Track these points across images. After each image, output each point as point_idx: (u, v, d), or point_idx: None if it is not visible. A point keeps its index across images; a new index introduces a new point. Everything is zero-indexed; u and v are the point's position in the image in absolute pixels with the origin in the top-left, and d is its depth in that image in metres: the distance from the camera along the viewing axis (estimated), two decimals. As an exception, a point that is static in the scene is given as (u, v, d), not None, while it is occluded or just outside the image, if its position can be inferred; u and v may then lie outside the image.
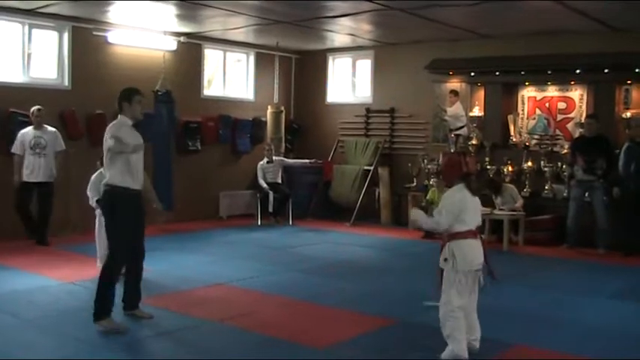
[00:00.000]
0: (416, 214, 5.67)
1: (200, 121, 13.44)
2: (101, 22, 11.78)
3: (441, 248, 5.31)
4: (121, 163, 6.26)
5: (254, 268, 8.99)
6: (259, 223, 13.15)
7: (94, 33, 11.76)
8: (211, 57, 14.24)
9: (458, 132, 12.67)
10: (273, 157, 13.52)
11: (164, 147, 11.86)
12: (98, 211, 8.05)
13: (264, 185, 13.24)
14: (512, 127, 12.62)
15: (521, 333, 6.19)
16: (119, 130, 6.38)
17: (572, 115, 12.21)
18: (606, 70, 11.35)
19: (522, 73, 12.31)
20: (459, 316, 5.16)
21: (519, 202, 11.26)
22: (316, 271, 8.90)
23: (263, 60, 14.95)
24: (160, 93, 11.71)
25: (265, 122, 14.48)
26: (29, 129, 10.19)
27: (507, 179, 11.86)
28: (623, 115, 11.43)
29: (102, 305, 5.92)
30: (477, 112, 12.90)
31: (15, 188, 10.16)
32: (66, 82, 11.53)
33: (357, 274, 8.83)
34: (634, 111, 11.36)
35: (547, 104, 12.46)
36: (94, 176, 8.05)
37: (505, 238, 10.80)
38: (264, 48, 14.73)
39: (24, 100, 10.44)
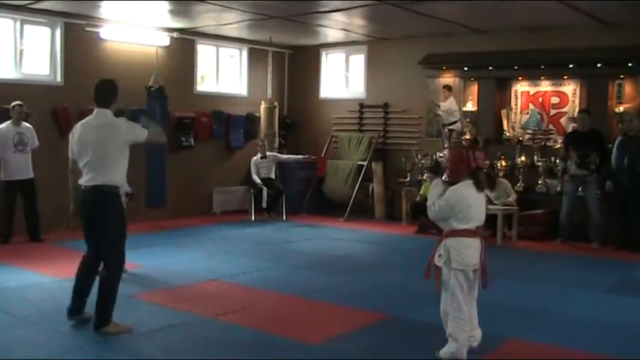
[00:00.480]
0: (436, 186, 5.34)
1: (193, 117, 13.42)
2: (93, 18, 11.73)
3: (438, 244, 5.27)
4: (124, 163, 6.13)
5: (248, 263, 8.99)
6: (253, 218, 13.14)
7: (87, 29, 11.72)
8: (204, 53, 14.21)
9: (451, 127, 12.67)
10: (267, 153, 13.51)
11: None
12: None
13: (258, 181, 13.22)
14: (505, 122, 12.63)
15: (516, 327, 6.20)
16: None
17: (565, 109, 12.23)
18: (599, 65, 11.36)
19: (515, 67, 12.33)
20: (465, 319, 5.14)
21: (512, 197, 11.29)
22: (310, 267, 8.90)
23: (256, 55, 14.93)
24: (152, 89, 11.67)
25: (259, 118, 14.46)
26: (7, 125, 10.05)
27: (501, 174, 11.87)
28: (616, 110, 11.45)
29: (110, 312, 5.83)
30: (470, 106, 12.90)
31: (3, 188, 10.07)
32: (58, 79, 11.49)
33: (351, 269, 8.84)
34: (627, 105, 11.38)
35: (540, 99, 12.48)
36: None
37: (499, 233, 10.82)
38: (258, 43, 14.71)
39: (16, 97, 10.38)
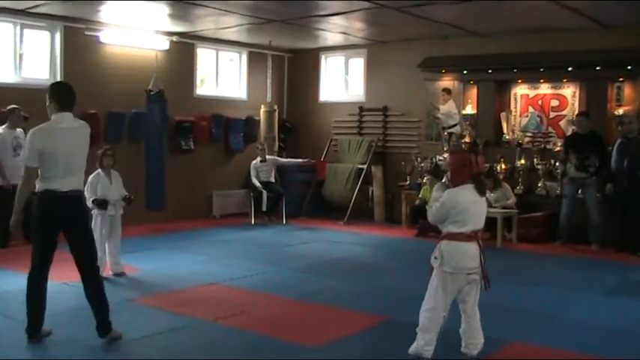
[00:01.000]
0: (438, 189, 5.33)
1: (193, 121, 13.42)
2: (93, 22, 11.74)
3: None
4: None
5: (247, 267, 8.98)
6: (252, 222, 13.13)
7: (86, 33, 11.73)
8: (204, 56, 14.22)
9: (451, 130, 12.69)
10: (267, 156, 13.50)
11: (156, 146, 11.83)
12: (95, 211, 8.05)
13: (258, 184, 13.22)
14: (504, 125, 12.64)
15: (516, 330, 6.20)
16: None
17: (564, 112, 12.23)
18: (598, 68, 11.38)
19: (515, 70, 12.34)
20: (434, 315, 5.12)
21: (512, 200, 11.28)
22: (310, 270, 8.89)
23: (256, 59, 14.94)
24: (152, 92, 11.68)
25: (258, 121, 14.47)
26: (5, 129, 10.02)
27: (500, 177, 11.87)
28: (616, 112, 11.45)
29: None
30: (469, 110, 12.90)
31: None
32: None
33: (350, 272, 8.83)
34: (626, 108, 11.39)
35: (540, 102, 12.48)
36: (91, 177, 8.02)
37: (499, 236, 10.81)
38: (257, 47, 14.72)
39: (15, 101, 10.37)
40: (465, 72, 12.86)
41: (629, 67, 11.13)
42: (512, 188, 11.55)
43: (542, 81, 12.40)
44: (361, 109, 14.67)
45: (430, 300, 5.19)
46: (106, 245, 8.21)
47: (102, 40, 11.95)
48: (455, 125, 12.66)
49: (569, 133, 11.71)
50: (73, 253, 5.66)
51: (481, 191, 5.19)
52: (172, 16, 11.38)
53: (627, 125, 10.54)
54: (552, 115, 12.36)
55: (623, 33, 11.22)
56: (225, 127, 14.17)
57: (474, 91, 12.98)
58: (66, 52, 11.53)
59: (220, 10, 10.71)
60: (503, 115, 12.65)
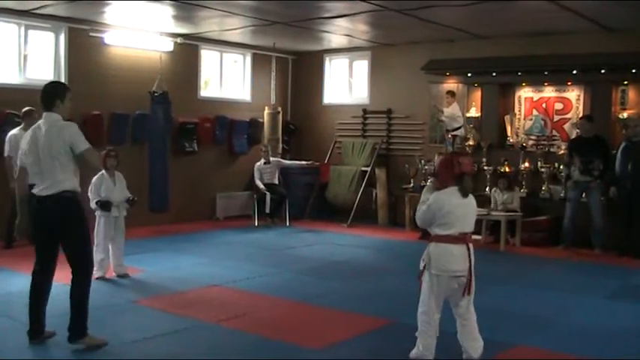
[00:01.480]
0: (426, 191, 5.38)
1: (197, 122, 13.43)
2: (97, 23, 11.76)
3: None
4: (74, 166, 5.62)
5: (250, 269, 8.98)
6: (256, 224, 13.13)
7: (91, 34, 11.75)
8: (208, 58, 14.23)
9: (455, 133, 12.67)
10: (270, 158, 13.51)
11: (160, 148, 11.83)
12: (98, 213, 8.06)
13: (261, 186, 13.22)
14: (509, 128, 12.62)
15: (519, 333, 6.19)
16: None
17: (568, 115, 12.21)
18: (603, 71, 11.36)
19: (519, 73, 12.32)
20: (429, 318, 5.12)
21: (515, 204, 11.26)
22: (313, 272, 8.89)
23: (260, 61, 14.95)
24: (156, 94, 11.68)
25: (262, 123, 14.47)
26: (20, 131, 10.05)
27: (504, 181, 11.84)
28: (620, 116, 11.44)
29: (85, 323, 5.56)
30: (473, 112, 12.89)
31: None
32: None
33: (353, 274, 8.82)
34: (630, 111, 11.37)
35: (544, 105, 12.47)
36: (95, 178, 8.03)
37: (502, 239, 10.80)
38: (261, 49, 14.73)
39: (20, 102, 10.39)
40: (469, 75, 12.85)
41: (633, 71, 11.11)
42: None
43: (546, 84, 12.38)
44: (365, 111, 14.67)
45: (423, 303, 5.21)
46: (110, 247, 8.22)
47: (106, 41, 11.97)
48: (459, 128, 12.65)
49: (573, 136, 11.71)
50: (64, 253, 5.63)
51: (464, 193, 5.19)
52: (177, 17, 11.39)
53: (632, 129, 10.52)
54: (556, 118, 12.34)
55: (627, 36, 11.21)
56: (228, 129, 14.18)
57: (478, 94, 12.97)
58: (70, 54, 11.55)
59: (224, 11, 10.72)
60: (507, 118, 12.64)
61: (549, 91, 12.43)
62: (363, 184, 13.80)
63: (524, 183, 11.99)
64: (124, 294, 7.48)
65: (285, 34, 12.97)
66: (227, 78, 14.70)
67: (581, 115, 11.72)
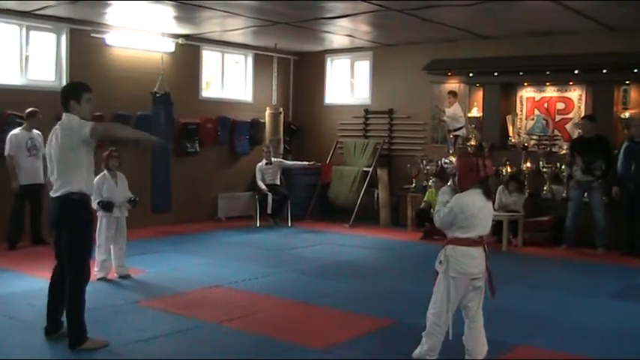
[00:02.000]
0: (445, 193, 5.26)
1: (198, 123, 13.43)
2: (99, 24, 11.77)
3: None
4: (86, 167, 5.61)
5: (252, 269, 8.98)
6: (258, 224, 13.13)
7: (92, 35, 11.75)
8: (209, 58, 14.23)
9: (456, 133, 12.68)
10: (272, 159, 13.50)
11: (162, 149, 11.83)
12: (100, 213, 8.06)
13: (263, 187, 13.22)
14: (510, 128, 12.61)
15: (521, 333, 6.18)
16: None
17: (570, 115, 12.20)
18: (605, 71, 11.35)
19: (521, 73, 12.31)
20: (439, 320, 5.09)
21: (520, 205, 11.25)
22: (315, 273, 8.88)
23: (261, 61, 14.95)
24: (158, 95, 11.68)
25: (264, 124, 14.47)
26: (21, 131, 10.08)
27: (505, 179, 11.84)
28: (622, 115, 11.42)
29: (84, 328, 5.55)
30: (475, 112, 12.88)
31: (14, 193, 10.09)
32: (64, 84, 11.50)
33: (355, 275, 8.82)
34: (633, 111, 11.35)
35: (545, 105, 12.46)
36: (97, 179, 8.03)
37: (504, 240, 10.79)
38: (263, 49, 14.73)
39: (21, 102, 10.42)
40: (470, 75, 12.84)
41: (635, 70, 11.09)
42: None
43: (548, 84, 12.37)
44: (367, 111, 14.67)
45: (435, 305, 5.16)
46: (111, 247, 8.22)
47: (108, 42, 11.97)
48: (460, 128, 12.65)
49: (575, 136, 11.70)
50: None
51: (488, 196, 5.16)
52: (178, 18, 11.39)
53: (636, 128, 10.49)
54: (558, 118, 12.33)
55: (629, 36, 11.20)
56: (230, 130, 14.17)
57: (479, 94, 12.96)
58: (72, 54, 11.55)
59: (226, 12, 10.72)
60: (509, 118, 12.63)
61: (551, 91, 12.41)
62: (365, 185, 13.80)
63: (526, 183, 11.97)
64: (126, 295, 7.47)
65: (287, 35, 12.97)
66: (229, 79, 14.70)
67: (582, 114, 11.71)
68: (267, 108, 14.36)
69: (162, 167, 11.71)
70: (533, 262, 10.00)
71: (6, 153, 10.00)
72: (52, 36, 11.49)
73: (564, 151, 11.64)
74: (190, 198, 13.36)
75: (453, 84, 13.24)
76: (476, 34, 12.26)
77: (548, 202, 11.74)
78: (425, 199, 12.15)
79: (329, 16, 10.99)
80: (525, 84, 12.61)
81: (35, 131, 10.18)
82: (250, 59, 14.87)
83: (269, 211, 13.16)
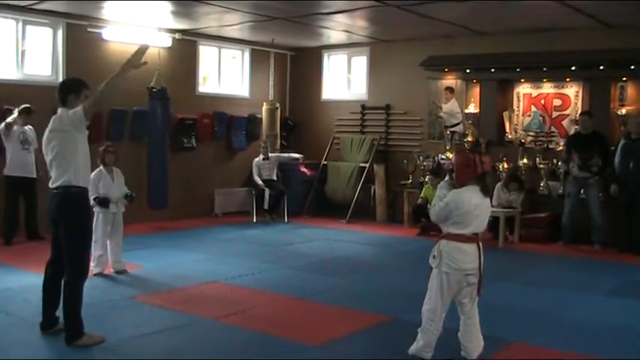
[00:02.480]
0: (442, 187, 5.25)
1: (195, 118, 13.41)
2: (95, 19, 11.73)
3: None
4: (82, 159, 5.62)
5: (249, 265, 8.97)
6: (254, 220, 13.12)
7: (89, 30, 11.72)
8: (206, 54, 14.20)
9: (453, 129, 12.68)
10: (269, 154, 13.49)
11: (159, 144, 11.84)
12: (97, 209, 8.04)
13: (260, 182, 13.21)
14: (507, 124, 12.61)
15: (518, 330, 6.19)
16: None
17: (567, 112, 12.20)
18: (601, 67, 11.34)
19: (518, 69, 12.31)
20: (434, 315, 5.09)
21: (518, 203, 11.26)
22: (311, 268, 8.88)
23: (258, 57, 14.93)
24: (154, 90, 11.68)
25: (260, 119, 14.46)
26: (13, 120, 10.12)
27: (503, 176, 11.84)
28: (619, 112, 11.42)
29: (81, 323, 5.53)
30: (472, 108, 12.87)
31: (6, 188, 10.12)
32: (60, 79, 11.42)
33: (352, 271, 8.82)
34: (629, 108, 11.36)
35: (542, 101, 12.45)
36: (93, 174, 8.00)
37: (501, 236, 10.80)
38: (260, 45, 14.71)
39: (18, 97, 10.39)
40: (467, 71, 12.83)
41: (632, 67, 11.08)
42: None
43: (545, 80, 12.37)
44: (364, 107, 14.66)
45: (430, 300, 5.17)
46: (108, 243, 8.21)
47: (104, 37, 11.93)
48: (457, 124, 12.65)
49: (571, 132, 11.70)
50: None
51: (486, 192, 5.15)
52: (175, 13, 11.37)
53: (635, 125, 10.46)
54: (555, 114, 12.33)
55: (626, 33, 11.19)
56: (227, 125, 14.15)
57: (476, 90, 12.95)
58: (68, 49, 11.52)
59: (223, 7, 10.70)
60: (505, 114, 12.62)
61: (548, 88, 12.41)
62: (362, 181, 13.79)
63: (523, 179, 11.97)
64: (122, 290, 7.47)
65: (284, 30, 12.96)
66: (225, 74, 14.68)
67: (579, 111, 11.72)
68: (264, 103, 14.35)
69: (159, 163, 11.71)
70: (529, 258, 10.00)
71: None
72: (49, 30, 11.46)
73: (561, 148, 11.64)
74: (187, 193, 13.35)
75: (450, 80, 13.23)
76: (473, 30, 12.25)
77: (544, 198, 11.75)
78: (422, 195, 12.14)
79: (326, 11, 10.98)
80: (522, 80, 12.61)
81: (28, 126, 10.18)
82: (247, 54, 14.84)
83: (266, 206, 13.16)
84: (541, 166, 11.84)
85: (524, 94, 12.67)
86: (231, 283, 7.92)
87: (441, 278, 5.07)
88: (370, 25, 12.41)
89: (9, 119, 10.01)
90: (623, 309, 7.14)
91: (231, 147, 14.33)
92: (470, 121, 12.80)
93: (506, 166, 12.02)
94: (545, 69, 12.00)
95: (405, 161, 13.42)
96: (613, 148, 10.68)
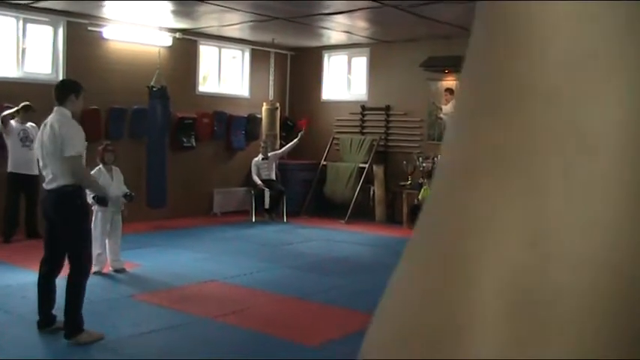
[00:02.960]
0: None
1: (195, 118, 13.41)
2: (96, 18, 11.74)
3: None
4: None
5: (247, 264, 8.98)
6: (253, 219, 13.13)
7: (89, 28, 11.72)
8: (207, 53, 14.21)
9: (453, 130, 12.68)
10: (268, 154, 13.49)
11: (158, 143, 11.84)
12: (95, 207, 8.04)
13: (259, 182, 13.21)
14: (507, 126, 12.60)
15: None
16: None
17: (567, 114, 12.21)
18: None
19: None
20: None
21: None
22: (310, 268, 8.89)
23: (258, 57, 14.93)
24: (154, 89, 11.69)
25: (260, 119, 14.46)
26: (14, 122, 10.14)
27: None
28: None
29: (81, 320, 5.55)
30: (472, 110, 12.86)
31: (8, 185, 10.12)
32: (60, 77, 11.45)
33: (350, 271, 8.83)
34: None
35: (542, 103, 12.45)
36: (92, 173, 8.00)
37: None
38: (260, 45, 14.71)
39: (18, 95, 10.39)
40: (467, 72, 12.82)
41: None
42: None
43: (545, 82, 12.37)
44: (363, 108, 14.66)
45: None
46: (107, 241, 8.21)
47: (105, 35, 11.95)
48: (457, 125, 12.66)
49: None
50: None
51: None
52: (175, 12, 11.37)
53: None
54: (555, 116, 12.33)
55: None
56: (227, 125, 14.15)
57: (476, 92, 12.94)
58: (68, 48, 11.53)
59: (223, 7, 10.71)
60: (505, 115, 12.61)
61: (548, 90, 12.41)
62: (361, 181, 13.79)
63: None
64: (121, 289, 7.48)
65: (284, 30, 12.96)
66: (225, 73, 14.69)
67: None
68: (264, 103, 14.36)
69: (158, 161, 11.72)
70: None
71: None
72: (49, 29, 11.46)
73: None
74: (186, 193, 13.35)
75: (450, 81, 13.23)
76: (473, 31, 12.26)
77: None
78: (419, 196, 12.15)
79: (326, 12, 10.99)
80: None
81: (29, 123, 10.19)
82: (247, 54, 14.85)
83: (265, 206, 13.16)
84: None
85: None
86: (230, 283, 7.92)
87: None
88: (370, 26, 12.42)
89: (4, 112, 10.00)
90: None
91: (230, 146, 14.33)
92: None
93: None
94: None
95: (405, 162, 13.42)
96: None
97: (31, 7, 10.84)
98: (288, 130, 15.27)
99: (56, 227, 5.59)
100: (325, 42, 14.55)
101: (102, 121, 11.76)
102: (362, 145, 14.16)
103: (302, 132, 13.71)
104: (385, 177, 13.94)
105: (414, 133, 13.87)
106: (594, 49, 0.35)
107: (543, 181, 0.35)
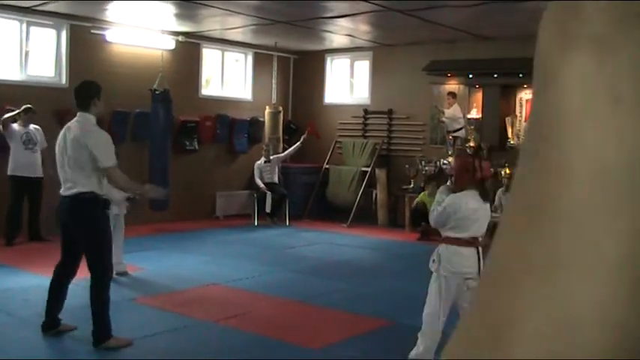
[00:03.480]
0: (442, 192, 5.23)
1: (197, 121, 13.42)
2: (99, 21, 11.76)
3: None
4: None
5: (250, 268, 8.98)
6: (256, 223, 13.12)
7: (92, 31, 11.74)
8: (209, 56, 14.23)
9: (455, 134, 12.67)
10: (271, 157, 13.49)
11: (161, 146, 11.84)
12: (116, 208, 7.99)
13: (261, 185, 13.21)
14: (509, 130, 12.61)
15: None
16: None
17: (569, 118, 12.19)
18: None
19: (520, 75, 12.29)
20: (433, 319, 5.08)
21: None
22: (312, 272, 8.89)
23: (261, 60, 14.94)
24: (157, 92, 11.69)
25: (263, 122, 14.46)
26: (16, 125, 10.15)
27: (504, 182, 11.83)
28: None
29: (109, 325, 5.55)
30: (474, 114, 12.88)
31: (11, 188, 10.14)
32: (63, 80, 11.52)
33: (353, 275, 8.82)
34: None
35: (545, 107, 12.44)
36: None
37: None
38: (263, 48, 14.73)
39: (21, 98, 10.41)
40: (470, 76, 12.84)
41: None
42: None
43: (547, 86, 12.36)
44: (366, 111, 14.66)
45: (430, 304, 5.16)
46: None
47: (108, 38, 11.96)
48: (460, 129, 12.64)
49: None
50: None
51: (485, 197, 5.14)
52: (178, 15, 11.39)
53: None
54: (557, 120, 12.32)
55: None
56: (229, 128, 14.17)
57: (479, 96, 12.96)
58: (72, 51, 11.55)
59: (226, 10, 10.72)
60: (508, 119, 12.62)
61: (550, 93, 12.40)
62: (364, 185, 13.79)
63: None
64: (123, 292, 7.46)
65: (287, 34, 12.97)
66: (228, 77, 14.70)
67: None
68: (267, 107, 14.36)
69: (161, 164, 11.72)
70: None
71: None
72: (53, 32, 11.49)
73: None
74: (188, 196, 13.35)
75: (453, 85, 13.24)
76: (476, 35, 12.26)
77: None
78: (417, 199, 12.11)
79: (329, 15, 11.00)
80: (525, 86, 12.60)
81: (32, 126, 10.21)
82: (250, 57, 14.86)
83: (267, 209, 13.16)
84: (543, 171, 11.81)
85: (526, 100, 12.67)
86: (232, 286, 7.92)
87: (440, 282, 5.06)
88: (373, 30, 12.42)
89: (5, 115, 10.02)
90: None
91: (233, 150, 14.34)
92: (472, 127, 12.79)
93: (508, 171, 12.01)
94: (547, 75, 11.99)
95: (407, 166, 13.41)
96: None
97: (35, 10, 10.86)
98: (290, 133, 15.28)
99: (73, 233, 5.59)
100: (328, 45, 14.56)
101: (105, 124, 11.73)
102: (364, 148, 14.16)
103: (304, 135, 13.72)
104: (387, 181, 13.94)
105: (417, 136, 13.87)
106: None
107: None
